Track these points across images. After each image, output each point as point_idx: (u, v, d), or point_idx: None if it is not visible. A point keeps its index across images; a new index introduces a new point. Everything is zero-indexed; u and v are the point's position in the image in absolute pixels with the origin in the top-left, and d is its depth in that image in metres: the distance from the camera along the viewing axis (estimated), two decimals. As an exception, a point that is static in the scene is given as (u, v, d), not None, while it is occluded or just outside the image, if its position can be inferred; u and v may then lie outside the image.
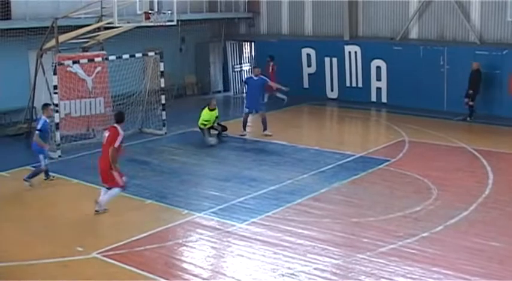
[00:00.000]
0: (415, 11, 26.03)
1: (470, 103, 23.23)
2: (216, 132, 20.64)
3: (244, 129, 21.19)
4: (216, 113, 20.43)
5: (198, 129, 20.46)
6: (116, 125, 13.64)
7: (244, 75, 30.65)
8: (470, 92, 23.02)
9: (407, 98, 25.41)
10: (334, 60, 27.48)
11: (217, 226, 13.04)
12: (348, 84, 27.30)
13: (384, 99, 26.35)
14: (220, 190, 15.42)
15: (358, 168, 17.10)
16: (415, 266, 10.97)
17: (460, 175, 16.58)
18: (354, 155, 18.41)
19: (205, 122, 20.16)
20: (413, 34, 26.57)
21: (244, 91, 21.16)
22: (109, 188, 13.67)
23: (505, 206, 14.19)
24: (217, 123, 20.70)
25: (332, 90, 27.78)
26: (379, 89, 26.49)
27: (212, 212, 13.78)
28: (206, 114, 20.21)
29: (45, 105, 16.28)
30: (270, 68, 26.54)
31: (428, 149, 19.26)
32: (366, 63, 26.62)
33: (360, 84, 26.94)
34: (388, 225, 12.93)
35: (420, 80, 25.17)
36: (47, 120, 15.88)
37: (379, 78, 26.38)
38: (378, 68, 26.27)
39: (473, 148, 18.98)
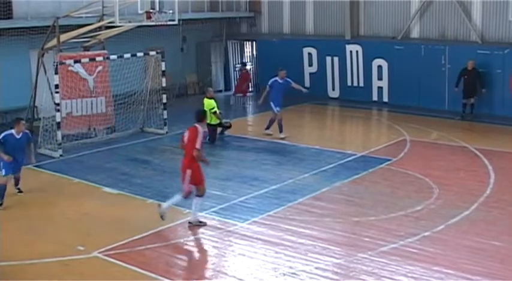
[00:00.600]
0: (417, 10, 26.02)
1: (471, 101, 23.40)
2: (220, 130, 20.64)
3: (281, 131, 20.85)
4: (214, 101, 20.29)
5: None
6: (196, 124, 13.07)
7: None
8: (484, 90, 23.37)
9: (408, 97, 25.43)
10: (336, 59, 27.48)
11: (219, 226, 13.04)
12: (349, 83, 27.30)
13: (386, 99, 26.34)
14: (221, 189, 15.41)
15: (359, 167, 17.11)
16: (416, 266, 10.98)
17: (461, 174, 16.59)
18: (355, 155, 18.41)
19: (212, 110, 19.91)
20: (415, 33, 26.56)
21: (266, 93, 20.91)
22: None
23: (507, 205, 14.20)
24: (222, 124, 20.62)
25: (333, 89, 27.78)
26: (380, 89, 26.48)
27: (213, 212, 13.78)
28: (208, 102, 20.05)
29: (17, 120, 15.10)
30: (240, 75, 26.57)
31: (429, 148, 19.27)
32: (367, 63, 26.62)
33: (362, 84, 26.94)
34: (389, 224, 12.93)
35: (421, 79, 25.19)
36: (15, 134, 14.70)
37: (380, 78, 26.37)
38: (379, 67, 26.26)
39: (474, 147, 18.98)
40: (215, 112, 19.97)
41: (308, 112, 26.19)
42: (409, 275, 10.67)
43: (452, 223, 12.97)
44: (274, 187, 15.49)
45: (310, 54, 28.12)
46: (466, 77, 23.30)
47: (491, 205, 14.18)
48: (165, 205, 13.10)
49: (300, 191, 15.10)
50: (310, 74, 28.14)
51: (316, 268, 10.97)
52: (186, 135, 13.04)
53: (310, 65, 28.16)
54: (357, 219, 13.30)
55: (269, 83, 21.07)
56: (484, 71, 23.51)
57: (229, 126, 20.91)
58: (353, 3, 27.41)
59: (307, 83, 27.76)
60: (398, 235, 12.32)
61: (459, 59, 24.10)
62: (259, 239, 12.30)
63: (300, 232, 12.59)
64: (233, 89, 29.07)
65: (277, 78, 20.95)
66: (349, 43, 27.22)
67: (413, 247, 11.80)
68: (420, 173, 16.37)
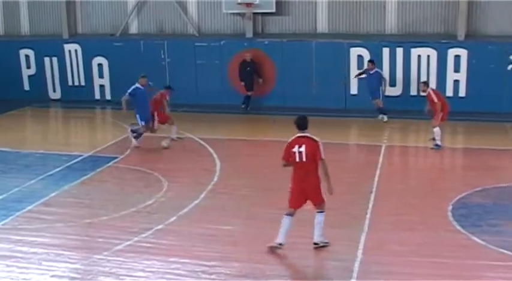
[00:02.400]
0: (134, 6, 26.17)
1: (249, 93, 24.02)
2: None
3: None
4: None
5: None
6: (303, 133, 11.22)
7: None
8: (261, 80, 24.08)
9: (131, 93, 25.45)
10: (55, 59, 26.65)
11: None
12: (70, 83, 26.64)
13: (108, 97, 26.10)
14: None
15: (87, 168, 16.80)
16: (153, 259, 11.09)
17: (188, 165, 16.98)
18: (82, 155, 18.01)
19: None
20: (133, 29, 26.74)
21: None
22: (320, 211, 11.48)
23: (233, 190, 14.86)
24: None
25: (54, 91, 26.92)
26: (102, 87, 26.21)
27: None
28: None
29: None
30: None
31: (155, 142, 19.42)
32: (87, 61, 26.15)
33: (83, 83, 26.47)
34: (122, 222, 12.89)
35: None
36: None
37: (101, 76, 26.07)
38: (100, 65, 25.96)
39: (198, 137, 19.52)
40: None
41: (29, 116, 25.14)
42: (147, 270, 10.75)
43: (183, 213, 13.27)
44: (-1, 197, 14.73)
45: (27, 56, 26.97)
46: (248, 68, 23.72)
47: (220, 191, 14.75)
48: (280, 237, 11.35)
49: (27, 199, 14.41)
50: (29, 76, 27.02)
51: (52, 275, 10.61)
52: (302, 150, 11.10)
53: (28, 67, 27.03)
54: (89, 221, 13.05)
55: (129, 90, 18.66)
56: (203, 63, 24.38)
57: None
58: (69, 2, 26.84)
59: (26, 86, 26.76)
60: (132, 231, 12.31)
61: (178, 53, 24.74)
62: (-11, 254, 11.60)
63: (31, 241, 12.06)
64: None
65: (138, 85, 18.65)
66: (67, 42, 26.55)
67: (148, 241, 11.89)
68: (148, 167, 16.50)
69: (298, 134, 11.24)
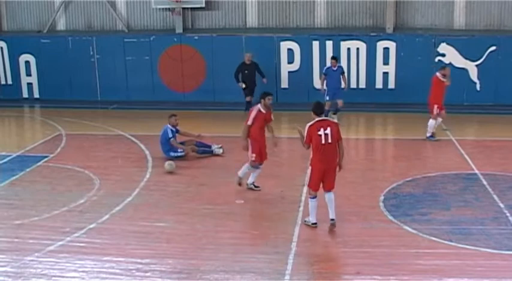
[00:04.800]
0: (61, 2, 25.75)
1: (248, 99, 21.76)
2: None
3: None
4: None
5: None
6: (325, 117, 12.22)
7: None
8: (265, 80, 21.98)
9: (60, 91, 25.00)
10: (-20, 58, 26.06)
11: None
12: (-2, 82, 26.10)
13: (37, 95, 25.60)
14: None
15: (15, 168, 16.35)
16: (86, 259, 10.97)
17: (120, 163, 16.79)
18: (10, 155, 17.54)
19: None
20: (61, 26, 26.31)
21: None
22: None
23: (166, 186, 14.80)
24: None
25: (-20, 90, 26.35)
26: (30, 85, 25.64)
27: None
28: None
29: None
30: None
31: (86, 140, 19.15)
32: (13, 59, 25.54)
33: (10, 81, 25.85)
34: (53, 222, 12.66)
35: (71, 71, 24.90)
36: None
37: (29, 74, 25.45)
38: (27, 62, 25.39)
39: (129, 134, 19.35)
40: None
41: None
42: (80, 269, 10.63)
43: (116, 211, 13.15)
44: None
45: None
46: (246, 72, 21.79)
47: (152, 189, 14.64)
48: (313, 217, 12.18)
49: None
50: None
51: (-18, 281, 10.37)
52: (328, 132, 11.66)
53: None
54: (19, 222, 12.74)
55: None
56: (132, 59, 24.14)
57: None
58: (-7, -2, 26.31)
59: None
60: (64, 231, 12.13)
61: (107, 49, 24.44)
62: None
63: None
64: None
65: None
66: (-8, 40, 25.99)
67: (80, 241, 11.73)
68: (79, 166, 16.23)
69: (318, 119, 11.81)
